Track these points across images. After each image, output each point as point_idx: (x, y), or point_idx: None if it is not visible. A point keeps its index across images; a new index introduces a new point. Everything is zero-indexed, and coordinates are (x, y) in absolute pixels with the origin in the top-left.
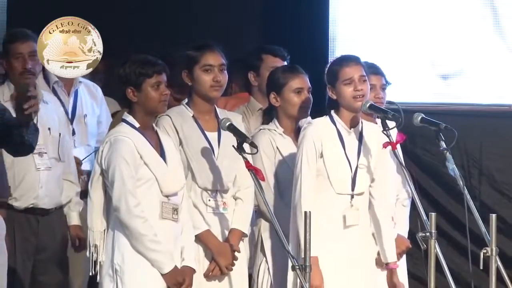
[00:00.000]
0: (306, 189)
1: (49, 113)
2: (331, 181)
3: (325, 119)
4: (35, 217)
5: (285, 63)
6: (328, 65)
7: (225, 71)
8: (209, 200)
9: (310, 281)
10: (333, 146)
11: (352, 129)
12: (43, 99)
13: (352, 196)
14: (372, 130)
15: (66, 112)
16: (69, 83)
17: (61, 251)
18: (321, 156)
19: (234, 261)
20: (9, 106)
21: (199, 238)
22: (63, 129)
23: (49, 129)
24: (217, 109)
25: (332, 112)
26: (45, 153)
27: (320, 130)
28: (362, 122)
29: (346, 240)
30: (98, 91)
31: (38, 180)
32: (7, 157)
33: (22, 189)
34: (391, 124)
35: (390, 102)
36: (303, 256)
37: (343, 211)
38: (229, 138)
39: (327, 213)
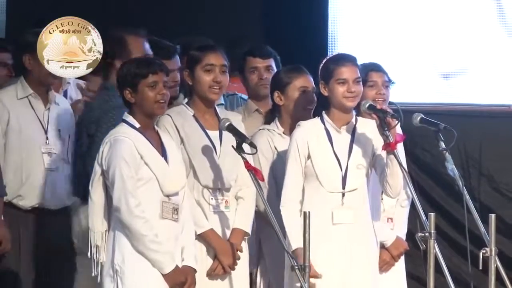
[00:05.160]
0: (286, 194)
1: (59, 115)
2: (320, 180)
3: (315, 120)
4: (40, 217)
5: (269, 61)
6: (324, 61)
7: (227, 73)
8: (211, 198)
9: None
10: (321, 146)
11: (343, 127)
12: (54, 101)
13: (343, 195)
14: (367, 125)
15: None
16: (57, 84)
17: (66, 253)
18: (309, 157)
19: (237, 261)
20: (24, 104)
21: (202, 237)
22: (72, 131)
23: (59, 130)
24: (217, 108)
25: (323, 112)
26: (55, 153)
27: (306, 131)
28: (356, 119)
29: (335, 237)
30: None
31: (45, 180)
32: (14, 155)
33: (29, 188)
34: (394, 121)
35: (389, 103)
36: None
37: (332, 209)
38: (231, 137)
39: (317, 212)
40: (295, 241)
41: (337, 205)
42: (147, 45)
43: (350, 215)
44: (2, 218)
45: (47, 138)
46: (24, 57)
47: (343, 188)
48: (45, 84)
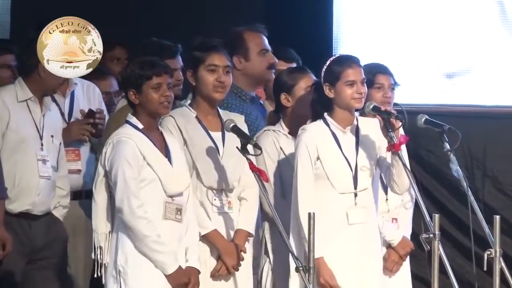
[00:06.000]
0: (303, 197)
1: (52, 121)
2: (331, 182)
3: (319, 122)
4: (27, 221)
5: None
6: (328, 64)
7: (230, 74)
8: (215, 199)
9: (321, 278)
10: (329, 148)
11: (347, 127)
12: (49, 107)
13: (356, 194)
14: (368, 124)
15: (62, 114)
16: (64, 85)
17: (54, 253)
18: (318, 159)
19: (240, 261)
20: (23, 107)
21: (206, 238)
22: (61, 138)
23: (52, 136)
24: (219, 110)
25: (325, 114)
26: (48, 160)
27: (313, 134)
28: (357, 119)
29: (351, 238)
30: (96, 90)
31: (37, 186)
32: (9, 157)
33: (20, 193)
34: (398, 122)
35: (394, 104)
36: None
37: (346, 209)
38: (233, 138)
39: (330, 213)
40: (317, 250)
41: (350, 205)
42: (265, 41)
43: (363, 214)
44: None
45: (42, 144)
46: (39, 65)
47: (355, 188)
48: (49, 91)
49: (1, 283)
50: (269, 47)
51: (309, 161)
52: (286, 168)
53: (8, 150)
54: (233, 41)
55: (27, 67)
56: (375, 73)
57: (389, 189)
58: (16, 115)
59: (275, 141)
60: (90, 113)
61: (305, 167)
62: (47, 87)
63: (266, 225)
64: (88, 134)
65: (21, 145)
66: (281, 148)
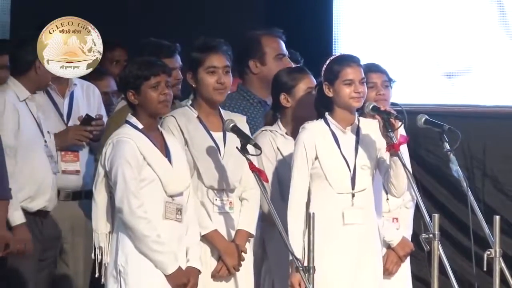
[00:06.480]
0: (294, 196)
1: (46, 116)
2: (329, 181)
3: (319, 122)
4: (39, 218)
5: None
6: (328, 63)
7: (230, 73)
8: (216, 199)
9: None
10: (328, 148)
11: (348, 128)
12: (41, 103)
13: (353, 195)
14: (370, 125)
15: (61, 114)
16: (63, 85)
17: (53, 252)
18: (316, 158)
19: (241, 262)
20: (24, 106)
21: (206, 238)
22: (56, 130)
23: (48, 132)
24: (221, 110)
25: (326, 114)
26: (53, 155)
27: (312, 134)
28: (359, 120)
29: (347, 239)
30: (95, 91)
31: (52, 182)
32: (23, 158)
33: (38, 191)
34: (398, 122)
35: (393, 104)
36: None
37: (342, 209)
38: (234, 138)
39: (327, 213)
40: (296, 251)
41: (347, 206)
42: (283, 45)
43: (360, 215)
44: (25, 220)
45: (45, 141)
46: (36, 62)
47: (353, 188)
48: (42, 88)
49: (10, 283)
50: (286, 52)
51: (305, 161)
52: (284, 168)
53: (20, 150)
54: (249, 45)
55: (23, 65)
56: (366, 72)
57: None
58: (22, 114)
59: (272, 141)
60: (87, 119)
61: (301, 166)
62: (41, 83)
63: (266, 225)
64: (85, 140)
65: (30, 144)
66: (278, 149)
